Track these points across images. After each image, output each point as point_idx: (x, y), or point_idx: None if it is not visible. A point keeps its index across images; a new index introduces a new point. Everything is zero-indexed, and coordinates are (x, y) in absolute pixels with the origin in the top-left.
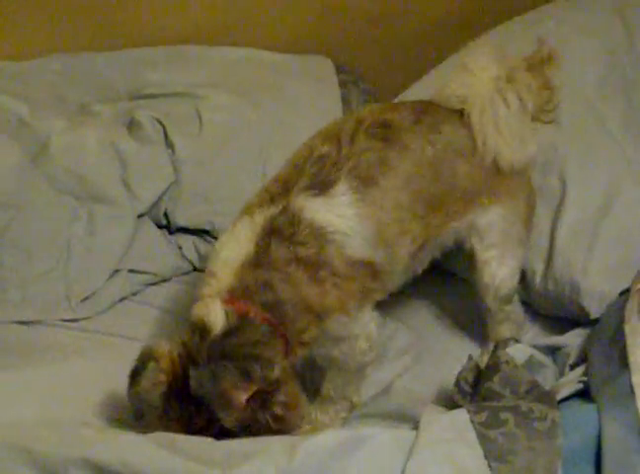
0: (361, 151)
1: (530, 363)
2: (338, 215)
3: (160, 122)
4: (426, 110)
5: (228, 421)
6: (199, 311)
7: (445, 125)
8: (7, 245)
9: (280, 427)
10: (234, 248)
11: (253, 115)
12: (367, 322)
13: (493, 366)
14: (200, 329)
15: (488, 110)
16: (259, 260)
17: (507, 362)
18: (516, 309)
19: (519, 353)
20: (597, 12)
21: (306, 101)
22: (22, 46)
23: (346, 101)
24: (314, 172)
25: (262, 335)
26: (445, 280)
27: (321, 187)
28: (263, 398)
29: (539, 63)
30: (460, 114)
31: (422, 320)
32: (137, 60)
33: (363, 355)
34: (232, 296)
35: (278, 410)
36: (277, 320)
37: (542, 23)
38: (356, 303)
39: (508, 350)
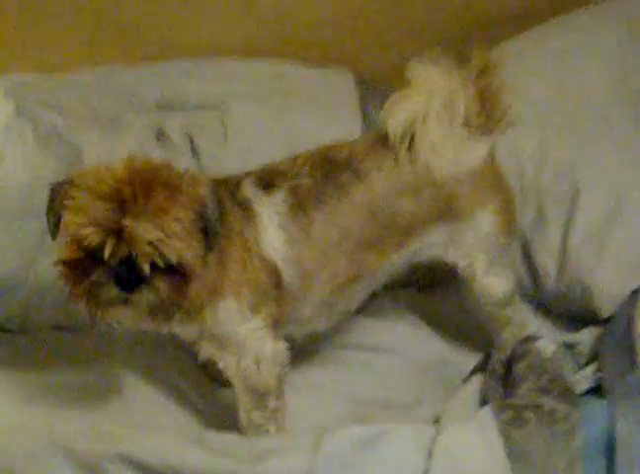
0: (304, 175)
1: (555, 357)
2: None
3: (187, 133)
4: (369, 147)
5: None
6: None
7: (385, 165)
8: (44, 250)
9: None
10: None
11: (277, 124)
12: (259, 337)
13: (522, 354)
14: None
15: (424, 134)
16: None
17: (534, 353)
18: (517, 311)
19: (545, 346)
20: (606, 24)
21: (327, 110)
22: (56, 60)
23: (364, 110)
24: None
25: None
26: (445, 290)
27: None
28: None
29: (478, 75)
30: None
31: (421, 325)
32: (166, 73)
33: (247, 375)
34: None
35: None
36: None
37: (558, 33)
38: (250, 298)
39: (536, 343)
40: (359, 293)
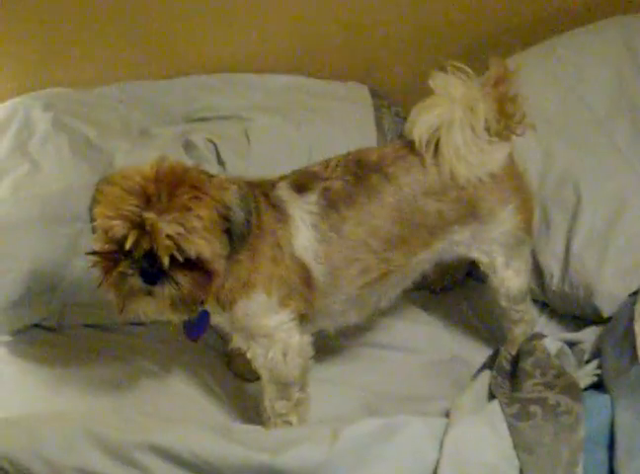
0: (336, 178)
1: (560, 354)
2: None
3: (212, 143)
4: (397, 152)
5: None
6: None
7: (413, 168)
8: (78, 252)
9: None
10: None
11: (295, 134)
12: (286, 330)
13: (528, 351)
14: None
15: (448, 141)
16: None
17: (541, 350)
18: (529, 309)
19: (551, 344)
20: (606, 41)
21: (343, 121)
22: (91, 75)
23: (379, 122)
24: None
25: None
26: (456, 293)
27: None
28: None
29: (496, 83)
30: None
31: (435, 325)
32: (192, 87)
33: (274, 365)
34: None
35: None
36: None
37: (557, 52)
38: (279, 293)
39: (542, 341)
40: (387, 290)
